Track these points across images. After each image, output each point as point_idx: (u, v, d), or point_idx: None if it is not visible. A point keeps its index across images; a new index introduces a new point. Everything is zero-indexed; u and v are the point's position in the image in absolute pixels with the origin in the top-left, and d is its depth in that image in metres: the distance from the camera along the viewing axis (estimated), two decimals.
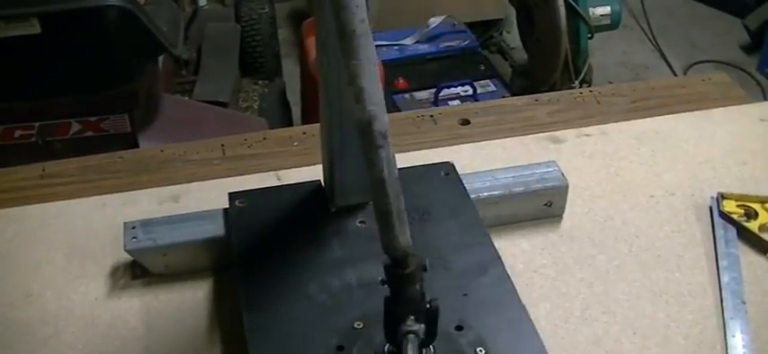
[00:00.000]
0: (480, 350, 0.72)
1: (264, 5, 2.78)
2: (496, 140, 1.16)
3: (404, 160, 1.01)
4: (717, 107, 1.23)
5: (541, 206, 1.01)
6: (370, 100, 0.62)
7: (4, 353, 0.85)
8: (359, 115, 0.62)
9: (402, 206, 0.64)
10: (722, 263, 0.95)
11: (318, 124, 0.89)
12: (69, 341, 0.87)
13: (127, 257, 0.94)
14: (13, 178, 1.11)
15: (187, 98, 2.31)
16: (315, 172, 0.96)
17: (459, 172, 0.98)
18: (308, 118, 2.50)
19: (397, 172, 0.64)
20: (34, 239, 1.00)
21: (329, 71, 0.82)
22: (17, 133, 1.82)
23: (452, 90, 2.51)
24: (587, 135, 1.17)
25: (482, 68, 2.65)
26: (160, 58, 2.02)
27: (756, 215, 1.01)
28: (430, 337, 0.67)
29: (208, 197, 1.04)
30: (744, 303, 0.90)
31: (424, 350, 0.69)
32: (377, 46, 1.94)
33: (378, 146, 0.62)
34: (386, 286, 0.66)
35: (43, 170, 1.13)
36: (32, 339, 0.87)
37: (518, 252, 0.97)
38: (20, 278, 0.94)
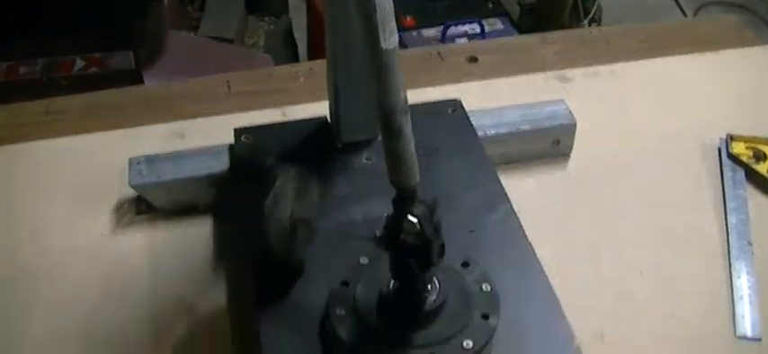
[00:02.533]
0: (486, 287, 0.72)
1: None
2: (504, 78, 1.15)
3: (411, 97, 1.00)
4: (727, 49, 1.22)
5: (549, 144, 1.00)
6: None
7: (10, 289, 0.86)
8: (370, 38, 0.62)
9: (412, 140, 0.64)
10: (729, 205, 0.94)
11: (325, 60, 0.88)
12: (74, 277, 0.87)
13: (132, 193, 0.94)
14: (17, 114, 1.11)
15: (193, 34, 2.29)
16: (321, 109, 0.95)
17: (467, 110, 0.97)
18: (314, 54, 2.48)
19: (408, 102, 0.63)
20: (39, 175, 1.00)
21: (335, 7, 0.81)
22: (21, 70, 1.81)
23: (460, 28, 2.49)
24: (596, 74, 1.16)
25: (490, 6, 2.62)
26: None
27: (765, 157, 1.00)
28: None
29: (213, 133, 1.03)
30: (750, 244, 0.90)
31: (429, 285, 0.69)
32: None
33: (391, 72, 0.62)
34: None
35: (48, 106, 1.12)
36: (38, 274, 0.87)
37: (525, 190, 0.96)
38: (25, 214, 0.95)
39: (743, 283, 0.85)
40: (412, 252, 0.65)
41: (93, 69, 1.83)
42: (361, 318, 0.69)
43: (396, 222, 0.64)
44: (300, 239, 0.74)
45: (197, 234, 0.91)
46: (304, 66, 1.19)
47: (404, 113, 0.63)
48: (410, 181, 0.64)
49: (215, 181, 0.85)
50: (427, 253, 0.65)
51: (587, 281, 0.86)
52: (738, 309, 0.83)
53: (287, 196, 0.72)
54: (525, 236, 0.81)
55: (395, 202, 0.65)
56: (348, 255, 0.75)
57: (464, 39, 2.44)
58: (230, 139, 0.93)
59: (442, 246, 0.67)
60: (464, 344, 0.67)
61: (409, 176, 0.64)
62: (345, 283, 0.72)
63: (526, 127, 0.99)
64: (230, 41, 2.27)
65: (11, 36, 1.76)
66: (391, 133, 0.63)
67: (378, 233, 0.66)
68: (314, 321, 0.72)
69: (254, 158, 0.72)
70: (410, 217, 0.63)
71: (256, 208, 0.70)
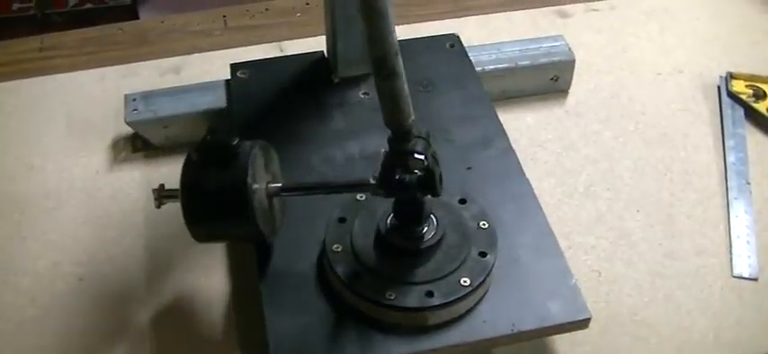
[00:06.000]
0: (483, 224, 0.72)
1: None
2: (503, 13, 1.14)
3: (409, 31, 1.00)
4: None
5: (547, 80, 0.99)
6: None
7: (6, 226, 0.86)
8: None
9: (405, 82, 0.63)
10: (728, 143, 0.94)
11: None
12: (71, 214, 0.87)
13: (128, 129, 0.93)
14: (11, 51, 1.10)
15: None
16: (318, 43, 0.94)
17: (465, 45, 0.96)
18: None
19: (397, 44, 0.62)
20: (34, 112, 0.99)
21: None
22: (15, 5, 1.80)
23: None
24: (595, 9, 1.15)
25: None
26: None
27: (765, 95, 1.00)
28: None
29: (209, 68, 1.03)
30: (748, 183, 0.89)
31: (426, 221, 0.69)
32: None
33: (382, 16, 0.60)
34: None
35: (42, 42, 1.11)
36: (34, 211, 0.87)
37: (523, 126, 0.96)
38: (20, 152, 0.94)
39: (741, 222, 0.85)
40: (417, 187, 0.64)
41: (88, 4, 1.81)
42: (358, 254, 0.69)
43: (396, 162, 0.64)
44: (277, 212, 0.72)
45: None
46: (301, 0, 1.17)
47: (395, 56, 0.62)
48: (404, 122, 0.63)
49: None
50: (433, 184, 0.64)
51: (585, 218, 0.86)
52: (735, 248, 0.83)
53: (259, 171, 0.69)
54: (523, 173, 0.80)
55: (390, 142, 0.64)
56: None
57: None
58: (226, 74, 0.93)
59: (441, 175, 0.66)
60: (461, 281, 0.67)
61: (403, 118, 0.63)
62: (342, 220, 0.72)
63: (525, 62, 0.98)
64: None
65: None
66: (384, 76, 0.62)
67: (372, 180, 0.66)
68: (311, 257, 0.72)
69: (216, 141, 0.68)
70: (416, 155, 0.63)
71: (240, 196, 0.65)
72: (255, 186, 0.66)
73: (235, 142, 0.66)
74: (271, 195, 0.70)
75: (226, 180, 0.65)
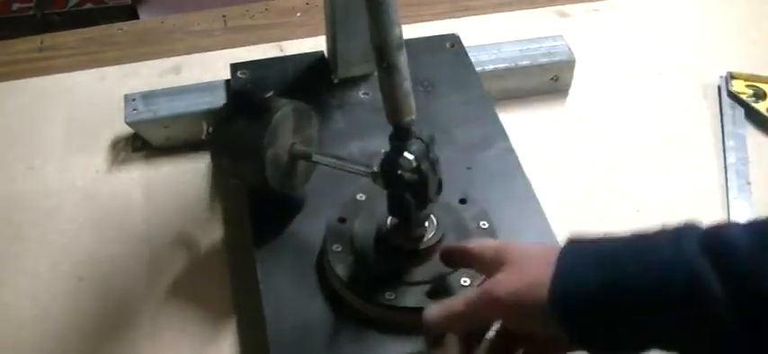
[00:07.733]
0: (483, 224, 0.72)
1: None
2: (503, 13, 1.14)
3: (409, 31, 1.00)
4: None
5: (548, 80, 0.99)
6: None
7: (7, 226, 0.86)
8: None
9: (408, 76, 0.63)
10: (729, 143, 0.94)
11: None
12: (71, 214, 0.87)
13: (127, 129, 0.93)
14: (11, 51, 1.10)
15: None
16: (318, 43, 0.94)
17: (465, 45, 0.96)
18: None
19: (400, 39, 0.62)
20: (34, 112, 0.99)
21: None
22: (15, 6, 1.80)
23: None
24: (595, 9, 1.15)
25: None
26: None
27: (765, 95, 1.00)
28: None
29: (209, 68, 1.03)
30: (749, 183, 0.89)
31: (426, 222, 0.68)
32: None
33: (386, 6, 0.60)
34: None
35: (42, 42, 1.11)
36: (34, 211, 0.87)
37: (523, 126, 0.95)
38: (21, 152, 0.94)
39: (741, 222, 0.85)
40: (409, 188, 0.64)
41: (88, 5, 1.81)
42: (358, 255, 0.69)
43: (392, 158, 0.64)
44: (299, 172, 0.73)
45: (193, 171, 0.91)
46: (301, 0, 1.17)
47: (399, 49, 0.62)
48: (406, 117, 0.63)
49: (213, 115, 0.83)
50: (424, 189, 0.65)
51: (585, 218, 0.86)
52: None
53: (286, 129, 0.71)
54: (523, 173, 0.80)
55: (391, 139, 0.64)
56: (344, 191, 0.74)
57: None
58: (226, 74, 0.93)
59: (440, 182, 0.66)
60: (461, 281, 0.67)
61: (405, 113, 0.63)
62: (342, 220, 0.72)
63: (525, 62, 0.98)
64: None
65: None
66: (386, 70, 0.62)
67: (375, 168, 0.66)
68: (311, 257, 0.72)
69: (252, 91, 0.71)
70: (406, 154, 0.63)
71: (255, 141, 0.69)
72: (272, 140, 0.70)
73: (268, 95, 0.71)
74: (294, 155, 0.73)
75: (248, 127, 0.71)
